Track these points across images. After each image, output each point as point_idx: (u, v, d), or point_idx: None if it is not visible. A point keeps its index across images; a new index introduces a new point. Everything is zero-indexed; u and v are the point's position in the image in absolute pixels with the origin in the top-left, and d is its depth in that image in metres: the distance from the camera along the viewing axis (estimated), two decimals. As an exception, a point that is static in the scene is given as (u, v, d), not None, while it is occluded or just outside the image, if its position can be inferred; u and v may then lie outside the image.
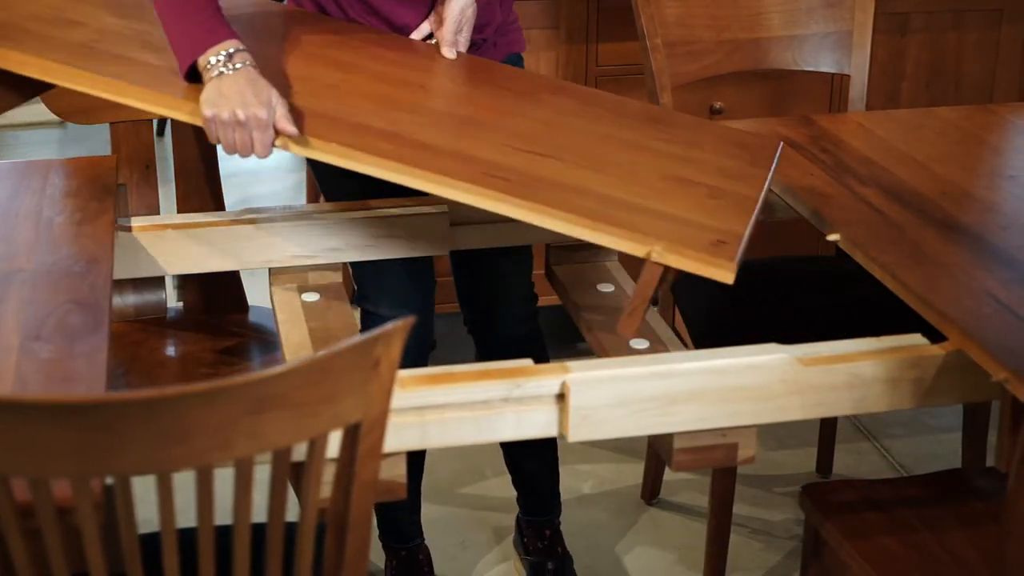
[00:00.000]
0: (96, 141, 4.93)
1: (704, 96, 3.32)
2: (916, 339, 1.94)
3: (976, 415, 2.66)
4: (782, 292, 2.60)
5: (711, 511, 2.56)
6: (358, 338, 1.34)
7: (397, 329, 1.36)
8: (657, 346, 2.14)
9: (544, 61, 3.24)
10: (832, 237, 2.16)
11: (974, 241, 2.11)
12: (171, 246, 2.22)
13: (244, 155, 1.94)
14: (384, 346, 1.36)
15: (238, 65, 1.94)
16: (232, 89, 1.92)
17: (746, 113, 3.32)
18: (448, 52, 2.21)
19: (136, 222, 2.23)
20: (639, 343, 2.14)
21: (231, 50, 1.95)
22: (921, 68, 3.48)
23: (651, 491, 2.95)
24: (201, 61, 1.96)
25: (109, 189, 2.22)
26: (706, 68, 2.78)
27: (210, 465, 1.34)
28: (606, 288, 2.36)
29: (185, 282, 2.57)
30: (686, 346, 2.23)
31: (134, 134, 2.51)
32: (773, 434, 3.18)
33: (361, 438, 1.41)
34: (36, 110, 5.21)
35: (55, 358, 1.70)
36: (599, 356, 2.16)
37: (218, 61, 1.94)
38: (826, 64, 2.82)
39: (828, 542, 2.04)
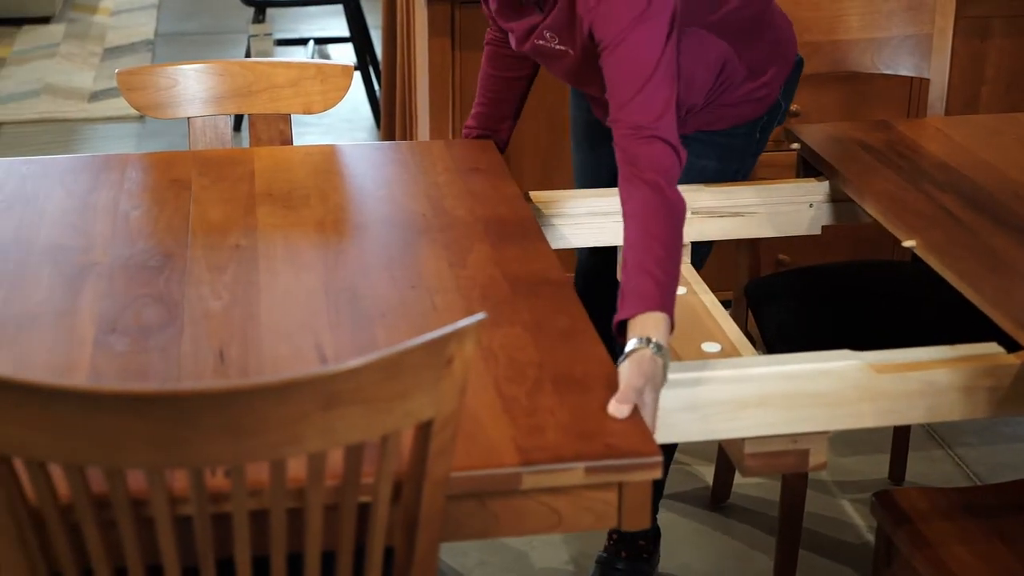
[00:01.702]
0: (174, 135, 4.98)
1: (780, 98, 3.30)
2: (991, 347, 1.92)
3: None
4: (856, 297, 2.58)
5: (780, 518, 2.54)
6: (431, 335, 1.35)
7: (470, 327, 1.36)
8: (729, 350, 2.13)
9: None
10: (908, 243, 2.14)
11: (1053, 249, 2.08)
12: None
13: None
14: (457, 343, 1.37)
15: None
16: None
17: (823, 117, 3.30)
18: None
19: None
20: (711, 346, 2.13)
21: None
22: (1001, 73, 3.44)
23: (719, 495, 2.94)
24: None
25: (186, 184, 2.24)
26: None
27: (282, 459, 1.35)
28: (679, 290, 2.35)
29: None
30: (759, 350, 2.22)
31: (211, 128, 2.53)
32: (845, 440, 3.15)
33: (433, 436, 1.41)
34: (116, 104, 5.28)
35: (130, 351, 1.72)
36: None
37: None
38: (905, 68, 2.79)
39: (900, 550, 2.02)
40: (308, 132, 5.11)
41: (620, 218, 2.37)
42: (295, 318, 1.81)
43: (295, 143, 2.56)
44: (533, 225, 2.11)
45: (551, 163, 3.30)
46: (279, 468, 1.35)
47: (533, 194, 2.37)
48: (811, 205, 2.47)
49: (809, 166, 2.52)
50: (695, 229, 2.44)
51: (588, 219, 2.39)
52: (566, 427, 1.57)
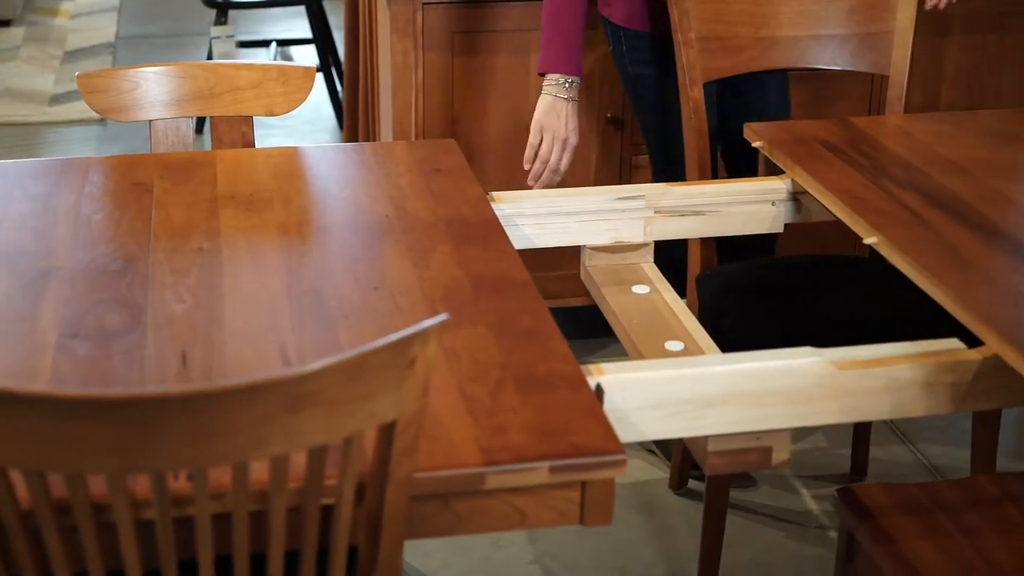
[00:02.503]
0: (135, 138, 4.96)
1: (742, 97, 3.32)
2: (953, 344, 1.94)
3: (984, 422, 2.64)
4: (817, 294, 2.59)
5: (705, 508, 2.57)
6: (394, 336, 1.35)
7: (433, 328, 1.37)
8: (692, 348, 2.14)
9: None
10: (870, 240, 2.16)
11: (1012, 245, 2.10)
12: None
13: (546, 166, 2.67)
14: (420, 344, 1.37)
15: (574, 97, 2.70)
16: (564, 112, 2.70)
17: (784, 114, 3.31)
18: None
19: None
20: (674, 345, 2.14)
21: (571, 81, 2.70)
22: (961, 70, 3.46)
23: (679, 480, 2.96)
24: (551, 77, 2.71)
25: (148, 187, 2.24)
26: (740, 64, 2.78)
27: (246, 462, 1.35)
28: (641, 289, 2.36)
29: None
30: (722, 348, 2.23)
31: (173, 131, 2.53)
32: (807, 436, 3.17)
33: (396, 437, 1.41)
34: (76, 107, 5.26)
35: (93, 356, 1.71)
36: (633, 358, 2.17)
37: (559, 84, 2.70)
38: (865, 65, 2.81)
39: (863, 545, 2.03)
40: (271, 134, 5.10)
41: (583, 217, 2.39)
42: (258, 321, 1.81)
43: (258, 145, 2.55)
44: (496, 225, 2.11)
45: (515, 163, 3.30)
46: (242, 471, 1.35)
47: (496, 194, 2.38)
48: (773, 203, 2.49)
49: (771, 164, 2.53)
50: (658, 228, 2.45)
51: (551, 219, 2.39)
52: (529, 426, 1.57)
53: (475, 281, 1.93)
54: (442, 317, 1.38)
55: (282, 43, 5.54)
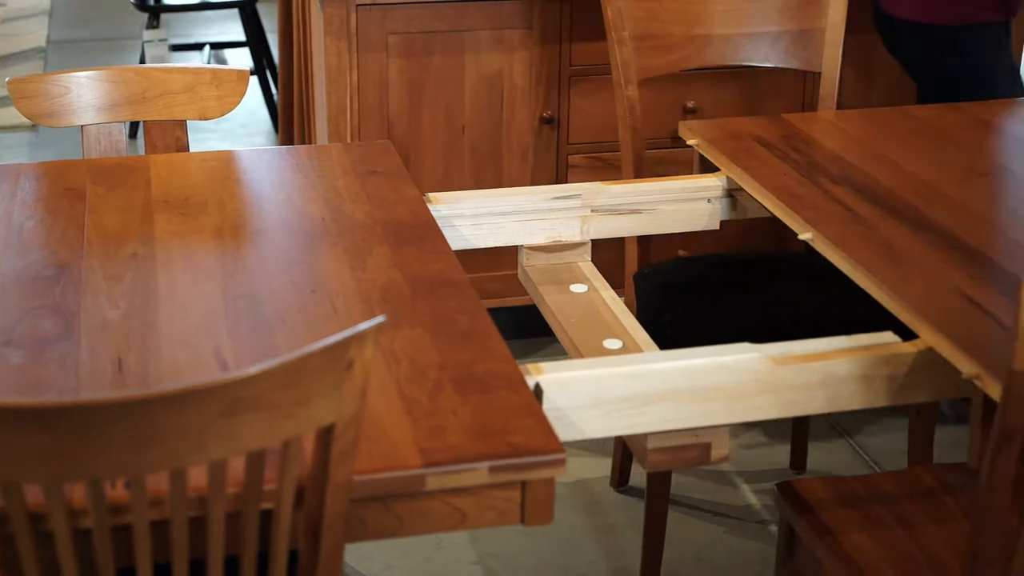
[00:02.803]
0: (68, 144, 4.92)
1: (677, 95, 3.33)
2: (888, 337, 1.95)
3: (921, 414, 2.67)
4: (754, 290, 2.61)
5: (647, 507, 2.58)
6: (331, 339, 1.34)
7: (370, 331, 1.36)
8: (631, 346, 2.15)
9: (518, 62, 3.25)
10: (804, 236, 2.17)
11: (945, 239, 2.12)
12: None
13: None
14: (357, 347, 1.36)
15: None
16: None
17: (719, 111, 3.33)
18: None
19: (108, 225, 2.22)
20: (613, 343, 2.14)
21: None
22: (893, 67, 3.49)
23: (620, 478, 2.97)
24: None
25: (81, 193, 2.22)
26: (675, 63, 2.79)
27: (184, 468, 1.34)
28: (579, 288, 2.36)
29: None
30: (660, 346, 2.24)
31: (106, 136, 2.51)
32: (747, 431, 3.19)
33: (335, 440, 1.41)
34: (7, 113, 5.20)
35: (26, 363, 1.70)
36: (572, 357, 2.17)
37: None
38: (798, 62, 2.83)
39: (802, 539, 2.05)
40: (206, 138, 5.07)
41: (520, 217, 2.39)
42: (194, 325, 1.80)
43: (192, 149, 2.54)
44: (433, 226, 2.11)
45: (451, 164, 3.30)
46: (180, 477, 1.34)
47: (432, 195, 2.38)
48: (709, 200, 2.50)
49: (707, 162, 2.54)
50: (594, 227, 2.46)
51: (488, 219, 2.39)
52: (469, 427, 1.57)
53: (412, 282, 1.93)
54: (379, 319, 1.38)
55: (216, 46, 5.51)
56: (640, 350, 2.14)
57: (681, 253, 3.38)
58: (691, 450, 1.91)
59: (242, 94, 2.55)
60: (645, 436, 1.89)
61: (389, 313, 1.83)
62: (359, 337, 1.36)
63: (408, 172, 2.34)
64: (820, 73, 2.82)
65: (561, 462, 1.54)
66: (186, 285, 1.91)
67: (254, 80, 5.17)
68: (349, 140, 3.22)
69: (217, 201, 2.19)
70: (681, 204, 2.49)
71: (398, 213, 2.15)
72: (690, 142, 2.57)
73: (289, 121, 4.19)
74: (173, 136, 2.53)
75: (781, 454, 3.10)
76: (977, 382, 1.75)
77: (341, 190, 2.24)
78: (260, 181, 2.30)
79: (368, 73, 3.19)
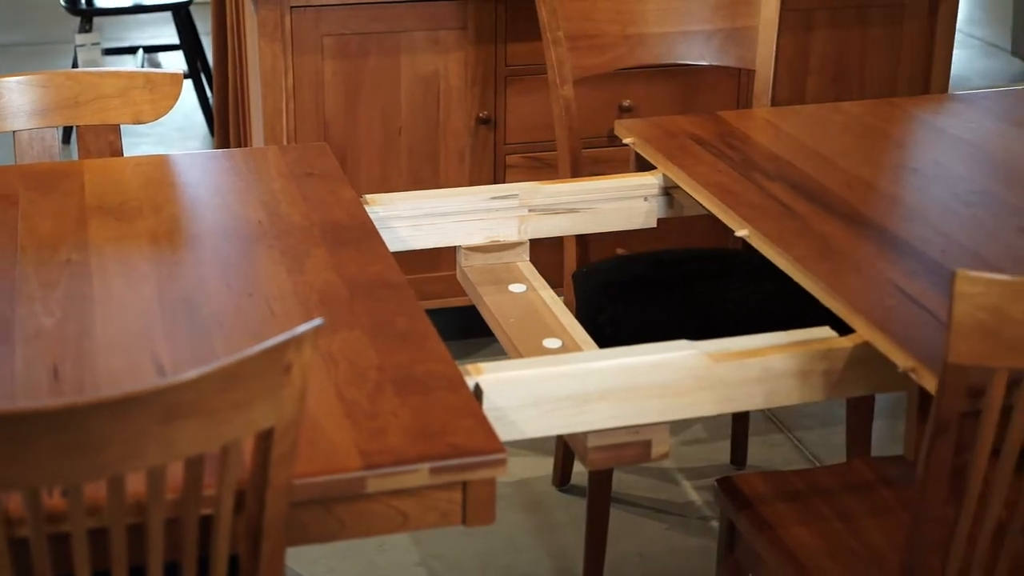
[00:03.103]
0: None
1: (613, 94, 3.35)
2: (824, 332, 1.97)
3: (858, 407, 2.70)
4: (692, 287, 2.62)
5: (588, 504, 2.58)
6: (269, 343, 1.34)
7: (307, 333, 1.36)
8: (570, 345, 2.15)
9: (454, 62, 3.25)
10: (741, 233, 2.18)
11: (879, 233, 2.14)
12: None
13: None
14: (295, 350, 1.36)
15: None
16: None
17: (654, 110, 3.35)
18: None
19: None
20: (552, 342, 2.15)
21: None
22: (826, 64, 3.52)
23: (562, 477, 2.98)
24: None
25: (13, 199, 2.20)
26: (610, 62, 2.80)
27: (122, 475, 1.33)
28: (518, 288, 2.37)
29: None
30: (600, 344, 2.24)
31: (38, 142, 2.48)
32: (687, 428, 3.20)
33: (274, 444, 1.40)
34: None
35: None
36: (512, 357, 2.17)
37: None
38: (732, 60, 2.85)
39: (743, 534, 2.06)
40: (140, 142, 5.03)
41: (458, 218, 2.39)
42: (131, 331, 1.78)
43: (128, 153, 2.52)
44: (370, 228, 2.11)
45: (388, 165, 3.30)
46: (118, 484, 1.33)
47: (369, 197, 2.37)
48: (646, 199, 2.51)
49: (643, 160, 2.55)
50: (532, 226, 2.46)
51: (427, 220, 2.39)
52: (409, 429, 1.57)
53: (350, 285, 1.92)
54: (317, 322, 1.37)
55: (149, 50, 5.47)
56: (579, 349, 2.14)
57: (619, 251, 3.39)
58: (631, 448, 1.92)
59: (176, 97, 2.54)
60: (585, 435, 1.89)
61: (327, 316, 1.83)
62: (297, 340, 1.36)
63: (345, 174, 2.34)
64: (754, 71, 2.83)
65: (502, 462, 1.54)
66: (122, 291, 1.89)
67: (188, 83, 5.13)
68: (285, 143, 3.20)
69: (152, 206, 2.18)
70: (618, 203, 2.50)
71: (335, 215, 2.15)
72: (626, 141, 2.58)
73: (225, 124, 4.17)
74: (107, 141, 2.51)
75: (721, 450, 3.12)
76: (913, 375, 1.77)
77: (277, 193, 2.23)
78: (195, 185, 2.29)
79: (303, 75, 3.18)
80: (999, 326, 1.54)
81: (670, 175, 2.44)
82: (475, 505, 1.57)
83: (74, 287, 1.90)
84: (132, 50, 5.42)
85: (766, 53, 2.82)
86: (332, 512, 1.54)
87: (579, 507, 2.90)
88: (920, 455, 1.66)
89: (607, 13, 2.78)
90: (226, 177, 2.31)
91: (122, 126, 2.52)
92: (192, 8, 5.10)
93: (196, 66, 5.05)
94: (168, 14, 5.41)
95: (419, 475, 1.52)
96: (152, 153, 2.66)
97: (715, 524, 2.85)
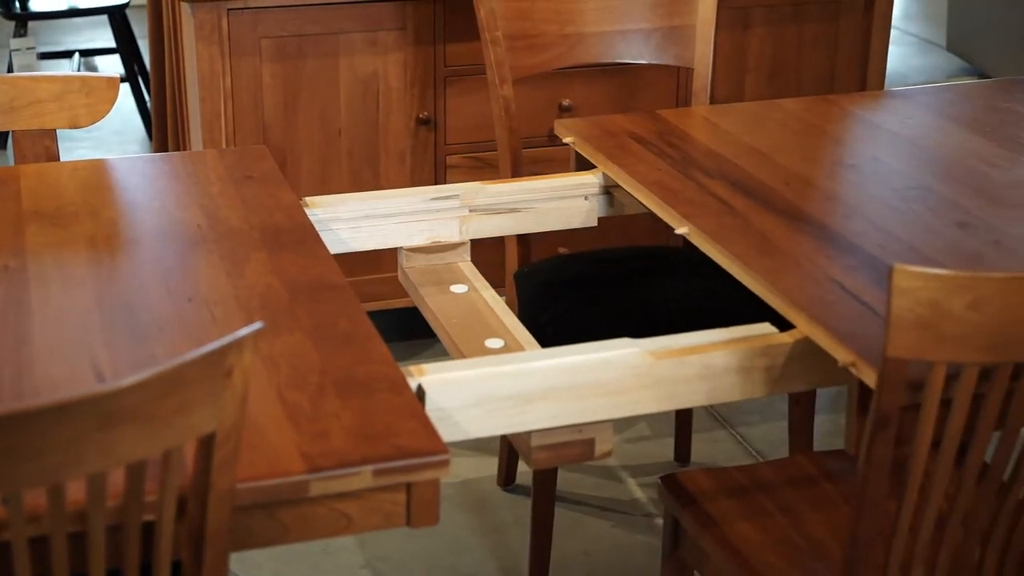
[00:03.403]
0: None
1: (553, 94, 3.35)
2: (765, 328, 1.98)
3: (800, 402, 2.72)
4: (633, 285, 2.63)
5: (533, 504, 2.59)
6: (209, 347, 1.33)
7: (247, 337, 1.35)
8: (512, 345, 2.16)
9: (393, 63, 3.24)
10: (681, 231, 2.19)
11: (818, 229, 2.15)
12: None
13: None
14: (236, 354, 1.35)
15: None
16: None
17: (594, 109, 3.35)
18: None
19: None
20: (494, 342, 2.15)
21: None
22: (763, 61, 3.54)
23: (506, 477, 2.98)
24: None
25: (-51, 205, 2.18)
26: (548, 61, 2.80)
27: (61, 482, 1.32)
28: (459, 288, 2.37)
29: None
30: (542, 344, 2.25)
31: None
32: (631, 426, 3.21)
33: (216, 448, 1.39)
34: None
35: None
36: (454, 357, 2.17)
37: None
38: (670, 58, 2.86)
39: (687, 530, 2.07)
40: (78, 147, 4.99)
41: (399, 219, 2.39)
42: (69, 337, 1.77)
43: (64, 158, 2.49)
44: (310, 231, 2.10)
45: (328, 168, 3.29)
46: (58, 492, 1.32)
47: (309, 199, 2.37)
48: (586, 198, 2.51)
49: (583, 159, 2.55)
50: (473, 227, 2.46)
51: (367, 221, 2.39)
52: (351, 431, 1.57)
53: (291, 288, 1.91)
54: (257, 325, 1.37)
55: (85, 53, 5.43)
56: (522, 349, 2.14)
57: (561, 251, 3.40)
58: (575, 446, 1.92)
59: (112, 101, 2.52)
60: (528, 434, 1.90)
61: (268, 319, 1.82)
62: (237, 344, 1.35)
63: (284, 177, 2.33)
64: (693, 69, 2.85)
65: (445, 463, 1.54)
66: (60, 297, 1.88)
67: (125, 87, 5.10)
68: (224, 145, 3.19)
69: (90, 210, 2.16)
70: (559, 202, 2.50)
71: (275, 218, 2.14)
72: (566, 140, 2.59)
73: (163, 128, 4.14)
74: (43, 146, 2.49)
75: (665, 447, 3.13)
76: (852, 370, 1.78)
77: (216, 196, 2.22)
78: (134, 189, 2.27)
79: (241, 78, 3.16)
80: (937, 320, 1.55)
81: (610, 174, 2.45)
82: (419, 506, 1.57)
83: (11, 294, 1.88)
84: (68, 54, 5.37)
85: (704, 51, 2.83)
86: (275, 516, 1.53)
87: (524, 506, 2.90)
88: (861, 449, 1.67)
89: (545, 13, 2.78)
90: (165, 181, 2.30)
91: (59, 130, 2.50)
92: (128, 11, 5.07)
93: (133, 69, 5.02)
94: (104, 17, 5.37)
95: (362, 477, 1.52)
96: (89, 157, 2.63)
97: (660, 521, 2.86)
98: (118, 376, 1.67)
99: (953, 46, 5.86)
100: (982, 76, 5.62)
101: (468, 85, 3.30)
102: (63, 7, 5.05)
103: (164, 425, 1.33)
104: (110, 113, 2.54)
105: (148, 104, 5.02)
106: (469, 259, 2.47)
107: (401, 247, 2.44)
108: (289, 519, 1.54)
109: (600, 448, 1.94)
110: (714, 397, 1.94)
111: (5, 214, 2.14)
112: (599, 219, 2.55)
